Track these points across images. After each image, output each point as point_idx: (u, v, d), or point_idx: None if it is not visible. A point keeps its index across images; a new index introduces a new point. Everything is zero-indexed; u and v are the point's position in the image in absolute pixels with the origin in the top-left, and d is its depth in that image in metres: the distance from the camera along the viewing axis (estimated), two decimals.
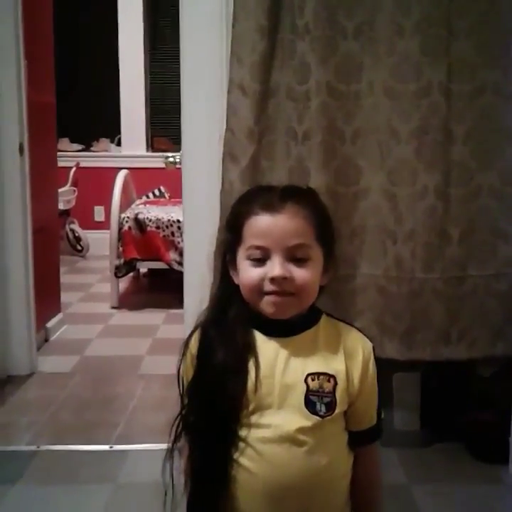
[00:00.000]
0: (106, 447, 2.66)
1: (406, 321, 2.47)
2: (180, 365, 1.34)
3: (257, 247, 1.26)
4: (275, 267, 1.24)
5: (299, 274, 1.25)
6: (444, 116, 2.41)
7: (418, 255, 2.44)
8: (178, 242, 4.67)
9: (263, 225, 1.26)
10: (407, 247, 2.44)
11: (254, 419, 1.24)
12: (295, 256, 1.25)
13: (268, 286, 1.24)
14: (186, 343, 1.34)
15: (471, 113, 2.41)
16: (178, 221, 4.67)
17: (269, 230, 1.25)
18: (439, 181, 2.43)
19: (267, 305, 1.26)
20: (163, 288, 5.18)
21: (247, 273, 1.27)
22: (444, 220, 2.44)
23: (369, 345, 1.33)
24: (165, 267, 4.80)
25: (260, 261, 1.26)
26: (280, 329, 1.29)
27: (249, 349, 1.27)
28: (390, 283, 2.47)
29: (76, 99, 6.43)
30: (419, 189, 2.43)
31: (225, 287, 1.35)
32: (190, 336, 1.34)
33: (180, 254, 4.34)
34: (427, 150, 2.42)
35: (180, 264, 4.11)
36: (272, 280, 1.23)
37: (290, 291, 1.25)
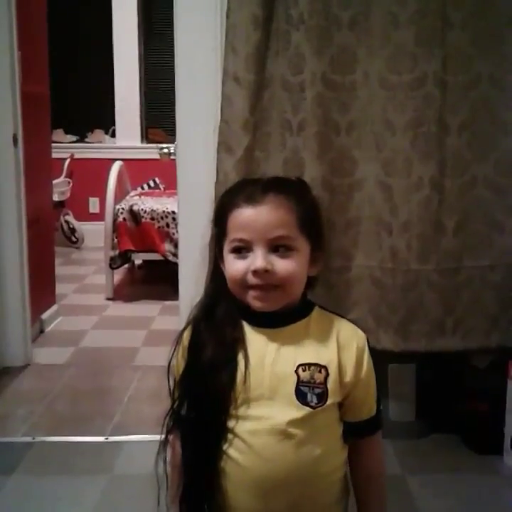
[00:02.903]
0: (101, 438, 2.66)
1: (401, 313, 2.47)
2: (171, 359, 1.34)
3: (240, 240, 1.26)
4: (257, 259, 1.23)
5: (282, 265, 1.24)
6: (439, 108, 2.40)
7: (413, 246, 2.45)
8: (173, 234, 4.67)
9: (245, 217, 1.26)
10: (402, 238, 2.44)
11: (242, 410, 1.24)
12: (278, 247, 1.25)
13: (252, 280, 1.24)
14: (178, 337, 1.35)
15: (466, 104, 2.41)
16: (173, 212, 4.67)
17: (251, 222, 1.25)
18: (435, 172, 2.42)
19: (252, 299, 1.26)
20: (158, 279, 5.17)
21: (231, 266, 1.27)
22: (439, 211, 2.44)
23: (363, 335, 1.33)
24: (160, 258, 4.79)
25: (243, 254, 1.26)
26: (270, 321, 1.29)
27: (238, 343, 1.27)
28: (385, 274, 2.47)
29: (70, 90, 6.41)
30: (414, 180, 2.43)
31: (217, 281, 1.35)
32: (183, 329, 1.35)
33: (175, 246, 4.34)
34: (422, 141, 2.41)
35: (175, 255, 4.12)
36: (255, 273, 1.23)
37: (273, 283, 1.24)
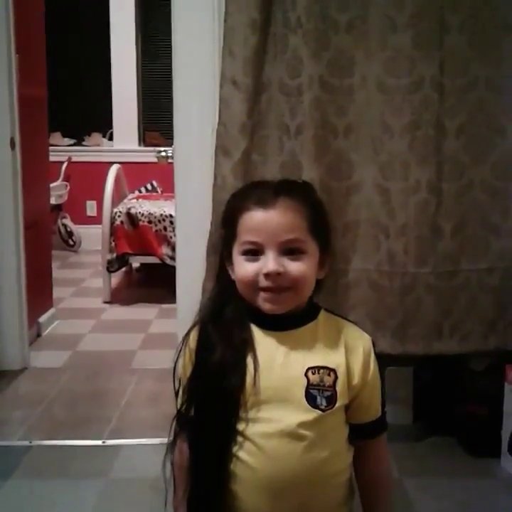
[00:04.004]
0: (98, 442, 2.66)
1: (398, 316, 2.47)
2: (176, 360, 1.35)
3: (251, 243, 1.27)
4: (269, 262, 1.24)
5: (294, 267, 1.25)
6: (436, 111, 2.40)
7: (410, 250, 2.45)
8: (171, 237, 4.67)
9: (256, 220, 1.27)
10: (400, 241, 2.44)
11: (253, 413, 1.25)
12: (289, 250, 1.26)
13: (263, 282, 1.25)
14: (185, 339, 1.35)
15: (463, 107, 2.41)
16: (171, 216, 4.67)
17: (263, 225, 1.26)
18: (432, 176, 2.43)
19: (263, 301, 1.26)
20: (155, 283, 5.17)
21: (242, 269, 1.28)
22: (436, 215, 2.44)
23: (368, 338, 1.36)
24: (157, 261, 4.79)
25: (254, 256, 1.26)
26: (278, 324, 1.29)
27: (247, 345, 1.28)
28: (383, 278, 2.47)
29: (68, 93, 6.41)
30: (411, 184, 2.43)
31: (223, 283, 1.35)
32: (189, 331, 1.35)
33: (173, 249, 4.34)
34: (420, 144, 2.42)
35: (173, 258, 4.11)
36: (267, 276, 1.24)
37: (285, 285, 1.25)
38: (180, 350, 1.35)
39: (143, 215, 4.80)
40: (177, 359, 1.35)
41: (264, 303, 1.27)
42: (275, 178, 1.42)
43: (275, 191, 1.29)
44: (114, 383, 3.30)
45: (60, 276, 5.11)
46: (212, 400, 1.27)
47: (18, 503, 2.26)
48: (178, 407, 1.33)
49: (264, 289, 1.26)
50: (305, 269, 1.26)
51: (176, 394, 1.35)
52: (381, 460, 1.40)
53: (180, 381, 1.35)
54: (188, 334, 1.35)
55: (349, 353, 1.30)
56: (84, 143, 6.90)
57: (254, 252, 1.27)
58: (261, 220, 1.26)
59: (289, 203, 1.27)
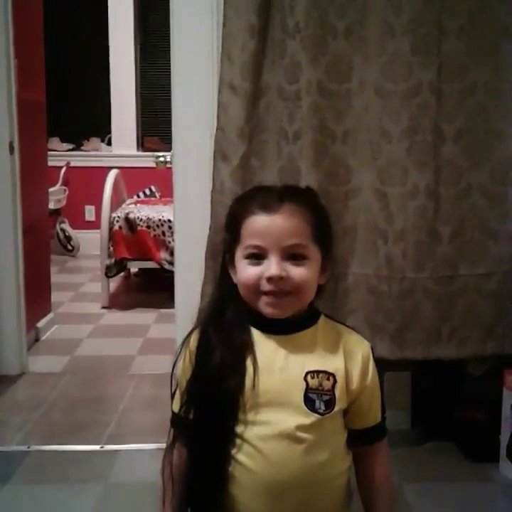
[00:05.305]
0: (96, 447, 2.65)
1: (397, 321, 2.47)
2: (175, 362, 1.35)
3: (255, 247, 1.27)
4: (272, 266, 1.25)
5: (296, 272, 1.26)
6: (434, 116, 2.41)
7: (409, 255, 2.45)
8: (169, 242, 4.67)
9: (260, 224, 1.28)
10: (398, 246, 2.45)
11: (251, 416, 1.25)
12: (292, 255, 1.26)
13: (265, 286, 1.26)
14: (185, 341, 1.35)
15: (461, 112, 2.42)
16: (169, 220, 4.67)
17: (267, 230, 1.27)
18: (430, 181, 2.43)
19: (264, 305, 1.27)
20: (153, 288, 5.17)
21: (245, 272, 1.28)
22: (434, 220, 2.45)
23: (367, 345, 1.37)
24: (156, 266, 4.79)
25: (257, 260, 1.27)
26: (279, 327, 1.30)
27: (247, 348, 1.29)
28: (381, 282, 2.47)
29: (66, 98, 6.42)
30: (409, 188, 2.43)
31: (224, 286, 1.36)
32: (189, 334, 1.35)
33: (171, 254, 4.34)
34: (418, 149, 2.42)
35: (171, 263, 4.12)
36: (269, 279, 1.25)
37: (287, 290, 1.26)
38: (180, 352, 1.35)
39: (141, 219, 4.80)
40: (176, 360, 1.35)
41: (265, 307, 1.27)
42: (275, 183, 1.42)
43: (279, 196, 1.30)
44: (112, 388, 3.29)
45: (59, 280, 5.10)
46: (211, 401, 1.27)
47: (16, 508, 2.25)
48: (176, 408, 1.34)
49: (266, 293, 1.27)
50: (307, 274, 1.27)
51: (173, 395, 1.36)
52: (381, 466, 1.40)
53: (177, 383, 1.35)
54: (188, 336, 1.35)
55: (348, 358, 1.31)
56: (82, 148, 6.90)
57: (257, 256, 1.28)
58: (265, 225, 1.27)
59: (293, 209, 1.28)
